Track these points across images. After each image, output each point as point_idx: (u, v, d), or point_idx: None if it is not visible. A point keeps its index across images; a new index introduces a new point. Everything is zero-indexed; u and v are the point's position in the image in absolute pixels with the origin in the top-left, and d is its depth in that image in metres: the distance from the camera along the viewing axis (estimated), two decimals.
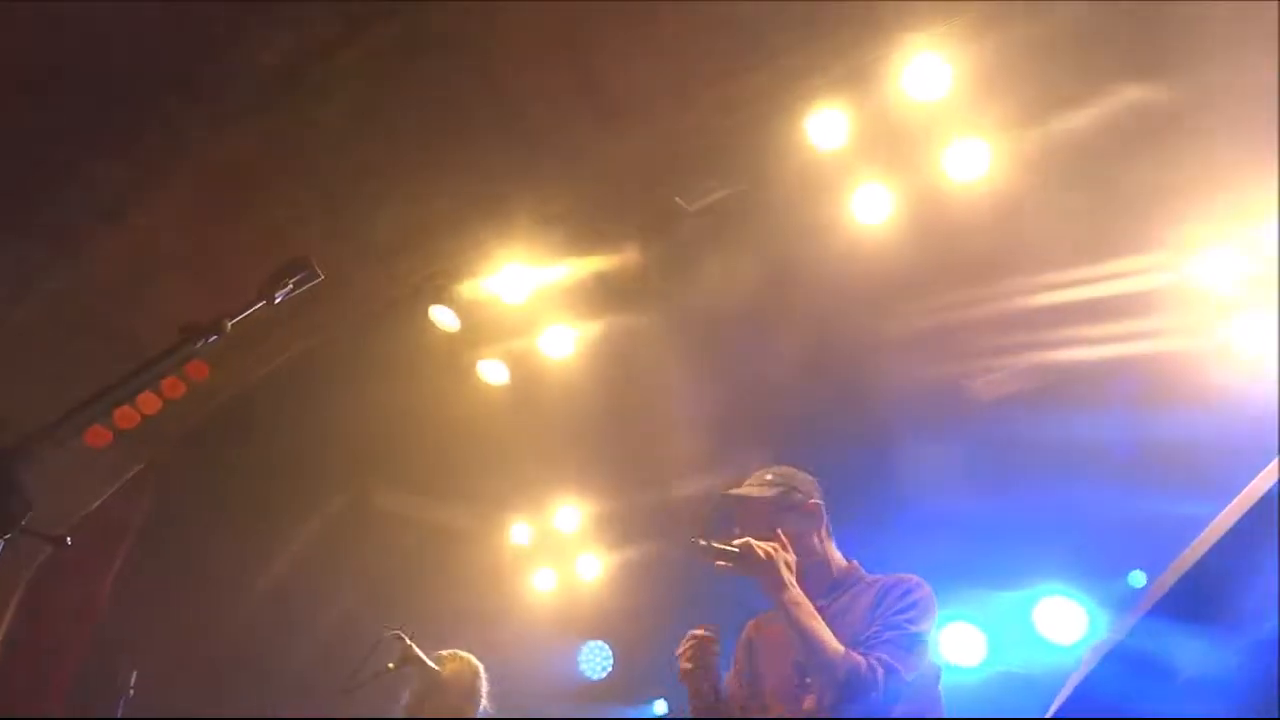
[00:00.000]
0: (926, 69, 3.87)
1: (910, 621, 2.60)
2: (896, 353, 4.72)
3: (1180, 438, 4.04)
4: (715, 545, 2.64)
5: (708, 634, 2.75)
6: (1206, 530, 1.74)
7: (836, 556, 2.87)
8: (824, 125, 4.09)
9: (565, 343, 4.97)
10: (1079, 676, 1.92)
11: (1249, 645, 1.80)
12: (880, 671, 2.48)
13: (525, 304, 4.81)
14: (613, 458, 5.46)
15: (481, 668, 3.65)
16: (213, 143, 4.19)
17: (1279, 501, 1.62)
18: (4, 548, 1.42)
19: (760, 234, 4.53)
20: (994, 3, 3.65)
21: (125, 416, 3.72)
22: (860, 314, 4.66)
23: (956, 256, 4.37)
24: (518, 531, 5.52)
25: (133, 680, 3.56)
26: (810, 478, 2.94)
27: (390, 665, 3.37)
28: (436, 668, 3.52)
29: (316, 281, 2.14)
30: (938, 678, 2.72)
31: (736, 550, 2.63)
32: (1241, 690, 1.83)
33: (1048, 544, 4.71)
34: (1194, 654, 1.91)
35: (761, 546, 2.62)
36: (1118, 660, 1.89)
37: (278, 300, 2.07)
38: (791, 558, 2.67)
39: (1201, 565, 1.70)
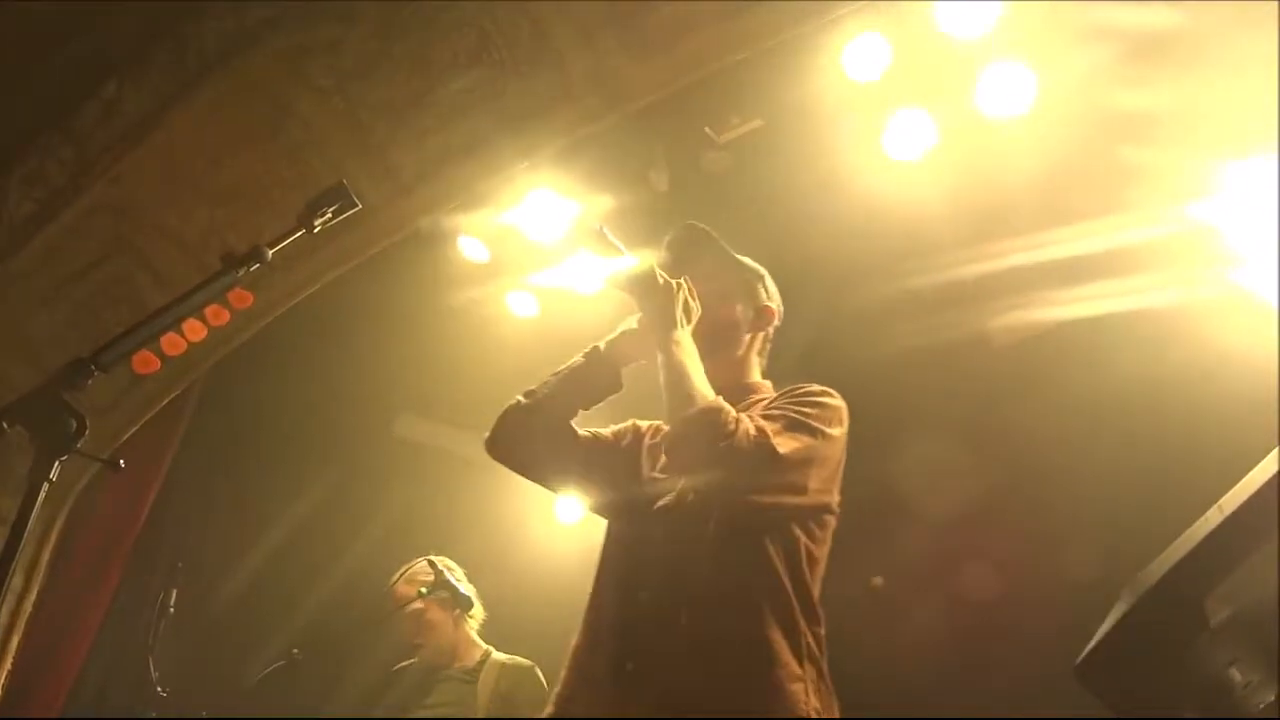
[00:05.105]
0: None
1: (807, 413, 2.01)
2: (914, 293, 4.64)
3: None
4: (615, 242, 2.13)
5: None
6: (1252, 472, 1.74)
7: (754, 370, 2.32)
8: (860, 55, 4.01)
9: (595, 276, 4.93)
10: (1113, 619, 1.94)
11: None
12: (746, 425, 1.89)
13: (553, 235, 4.77)
14: (641, 393, 5.44)
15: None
16: (234, 63, 4.15)
17: None
18: (59, 470, 1.44)
19: (789, 167, 4.46)
20: None
21: (172, 344, 3.72)
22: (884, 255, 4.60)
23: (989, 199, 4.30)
24: None
25: (172, 600, 3.64)
26: (777, 293, 2.41)
27: (423, 590, 3.44)
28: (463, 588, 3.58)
29: (355, 210, 2.13)
30: (825, 510, 2.07)
31: (632, 259, 2.11)
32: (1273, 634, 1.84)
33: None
34: (1226, 599, 1.92)
35: (667, 276, 2.10)
36: (1151, 604, 1.90)
37: (317, 229, 2.06)
38: (698, 308, 2.13)
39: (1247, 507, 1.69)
